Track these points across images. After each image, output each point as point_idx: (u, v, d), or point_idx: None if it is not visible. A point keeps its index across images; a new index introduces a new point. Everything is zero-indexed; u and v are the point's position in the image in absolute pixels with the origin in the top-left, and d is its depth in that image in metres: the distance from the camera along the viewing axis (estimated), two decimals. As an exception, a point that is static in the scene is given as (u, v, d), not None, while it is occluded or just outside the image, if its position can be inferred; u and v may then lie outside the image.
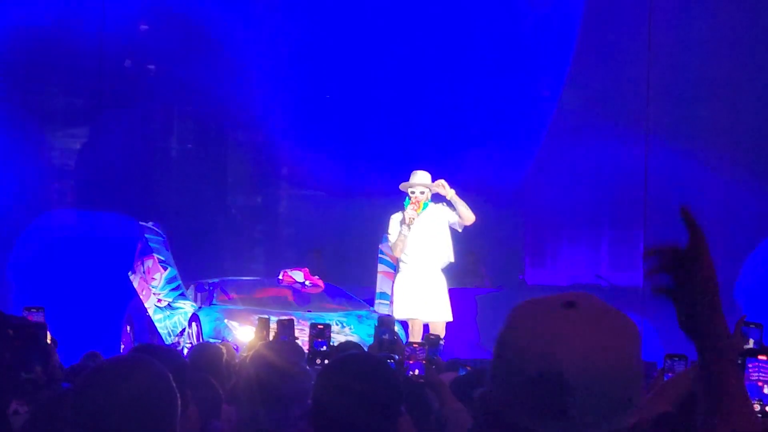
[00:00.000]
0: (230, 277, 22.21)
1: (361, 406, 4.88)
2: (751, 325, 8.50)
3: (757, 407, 6.20)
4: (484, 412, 2.73)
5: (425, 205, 16.82)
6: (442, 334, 16.20)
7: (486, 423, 2.70)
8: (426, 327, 16.89)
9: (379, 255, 20.35)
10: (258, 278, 22.70)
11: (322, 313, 18.35)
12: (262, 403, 6.68)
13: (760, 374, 6.42)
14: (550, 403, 2.63)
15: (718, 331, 3.08)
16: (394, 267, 18.72)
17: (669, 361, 7.50)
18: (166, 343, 18.56)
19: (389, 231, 17.41)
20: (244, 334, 17.41)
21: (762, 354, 6.63)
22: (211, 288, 20.53)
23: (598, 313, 2.75)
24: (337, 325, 14.43)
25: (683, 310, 3.01)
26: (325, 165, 28.28)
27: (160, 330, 19.62)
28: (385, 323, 12.98)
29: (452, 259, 17.20)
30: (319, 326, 10.66)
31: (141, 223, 21.20)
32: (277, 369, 6.85)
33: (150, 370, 4.00)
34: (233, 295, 20.10)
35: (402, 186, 17.16)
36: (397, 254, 17.33)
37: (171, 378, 4.03)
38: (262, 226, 29.42)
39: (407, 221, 16.65)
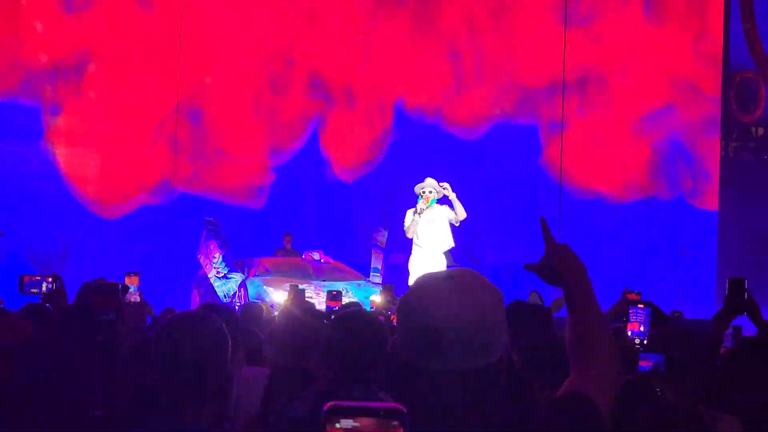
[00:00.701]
0: (267, 256, 23.19)
1: (357, 345, 5.34)
2: (633, 294, 9.49)
3: (636, 341, 7.07)
4: (393, 355, 3.09)
5: (432, 201, 18.14)
6: None
7: (393, 364, 3.11)
8: None
9: (372, 241, 21.85)
10: (286, 257, 23.40)
11: (333, 282, 19.41)
12: (289, 345, 6.92)
13: (638, 317, 7.31)
14: (432, 347, 2.94)
15: (586, 302, 3.50)
16: (382, 249, 20.88)
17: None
18: (223, 302, 19.01)
19: (405, 219, 18.51)
20: (277, 296, 18.85)
21: (641, 303, 7.75)
22: (253, 264, 21.83)
23: (469, 283, 3.03)
24: (342, 290, 13.53)
25: (547, 280, 3.51)
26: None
27: (218, 293, 20.88)
28: (387, 289, 13.94)
29: (452, 245, 18.49)
30: (334, 292, 11.61)
31: (206, 218, 22.22)
32: (300, 321, 7.27)
33: (211, 321, 4.21)
34: (270, 269, 21.53)
35: (416, 187, 18.39)
36: (409, 236, 18.45)
37: (225, 328, 4.24)
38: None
39: (418, 211, 18.08)
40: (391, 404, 2.16)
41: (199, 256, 21.79)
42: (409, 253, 18.58)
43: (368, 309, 12.45)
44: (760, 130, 27.93)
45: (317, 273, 21.31)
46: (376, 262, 21.28)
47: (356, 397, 5.17)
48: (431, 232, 18.22)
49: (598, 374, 3.36)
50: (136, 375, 5.70)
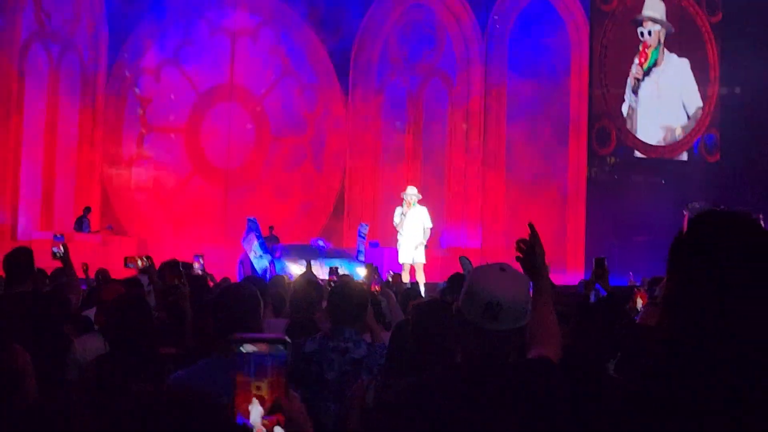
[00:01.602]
0: (288, 243, 22.62)
1: (349, 302, 5.35)
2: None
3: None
4: (459, 318, 2.96)
5: (413, 204, 18.31)
6: (421, 271, 18.33)
7: (459, 322, 2.93)
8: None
9: (358, 233, 21.04)
10: (301, 243, 22.54)
11: (332, 259, 19.09)
12: (302, 303, 7.28)
13: None
14: (491, 313, 2.96)
15: (549, 295, 3.46)
16: (365, 238, 20.20)
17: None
18: (259, 274, 18.91)
19: (394, 216, 18.51)
20: (294, 269, 18.52)
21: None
22: (278, 248, 21.61)
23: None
24: (338, 266, 13.49)
25: (527, 270, 3.41)
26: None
27: (257, 268, 20.10)
28: (369, 266, 12.97)
29: (422, 240, 18.33)
30: (333, 267, 12.23)
31: (247, 217, 21.45)
32: (309, 287, 7.57)
33: (250, 288, 4.23)
34: (289, 251, 21.23)
35: (403, 194, 18.45)
36: (399, 229, 18.49)
37: (258, 292, 4.26)
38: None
39: (404, 212, 18.22)
40: (278, 335, 2.06)
41: (243, 243, 21.27)
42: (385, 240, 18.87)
43: (356, 279, 11.68)
44: (613, 160, 27.93)
45: (321, 254, 20.91)
46: (361, 247, 20.69)
47: (347, 338, 5.30)
48: (409, 227, 18.39)
49: (555, 345, 3.36)
50: (198, 325, 5.58)
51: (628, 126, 27.38)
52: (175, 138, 25.84)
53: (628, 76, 27.31)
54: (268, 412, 2.02)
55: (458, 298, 3.19)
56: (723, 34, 27.91)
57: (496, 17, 26.33)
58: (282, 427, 2.04)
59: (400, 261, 18.44)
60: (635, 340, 3.69)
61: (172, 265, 8.38)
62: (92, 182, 24.83)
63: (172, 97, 25.77)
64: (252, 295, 4.16)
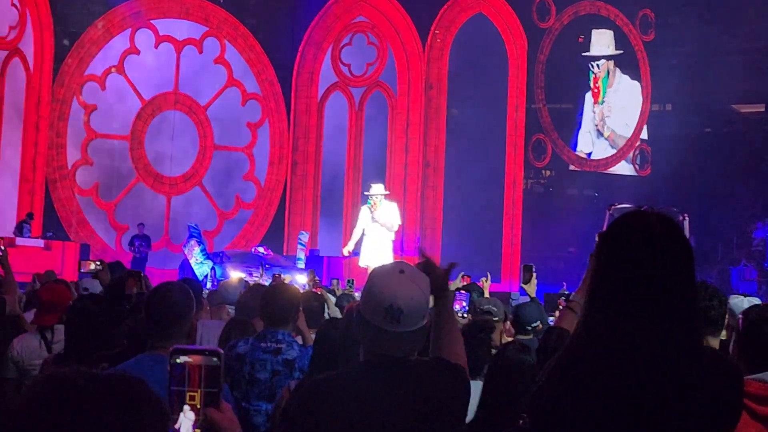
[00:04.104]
0: (229, 250, 23.11)
1: (282, 303, 5.36)
2: (467, 277, 10.61)
3: (460, 317, 6.96)
4: (360, 319, 2.91)
5: (380, 203, 16.51)
6: None
7: (360, 322, 2.88)
8: None
9: (299, 240, 21.91)
10: (241, 250, 22.91)
11: (273, 267, 19.18)
12: (242, 306, 6.91)
13: (461, 297, 7.43)
14: (392, 317, 2.88)
15: (446, 294, 3.40)
16: (304, 246, 20.57)
17: None
18: (199, 279, 18.97)
19: (360, 216, 16.93)
20: (235, 275, 16.63)
21: (461, 290, 7.96)
22: (221, 254, 21.64)
23: (413, 274, 2.99)
24: (279, 273, 13.66)
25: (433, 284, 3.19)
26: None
27: (197, 274, 20.18)
28: (311, 272, 14.05)
29: (391, 235, 16.75)
30: (275, 274, 12.45)
31: (189, 223, 21.91)
32: (248, 293, 7.10)
33: (182, 288, 4.16)
34: (230, 257, 21.11)
35: (367, 193, 16.87)
36: (390, 228, 16.64)
37: (192, 292, 4.18)
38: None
39: (373, 212, 16.39)
40: (213, 347, 2.06)
41: (183, 249, 21.42)
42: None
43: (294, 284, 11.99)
44: (548, 173, 28.25)
45: (263, 261, 20.55)
46: (301, 255, 21.18)
47: (279, 339, 5.29)
48: (376, 228, 16.73)
49: (460, 348, 3.35)
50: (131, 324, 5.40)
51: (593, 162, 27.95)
52: (119, 145, 25.54)
53: (568, 90, 27.87)
54: (200, 423, 2.03)
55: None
56: (655, 52, 28.27)
57: (436, 32, 26.44)
58: None
59: (362, 264, 16.92)
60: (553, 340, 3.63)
61: (134, 275, 8.04)
62: (35, 188, 24.59)
63: (117, 105, 25.62)
64: (184, 295, 4.09)
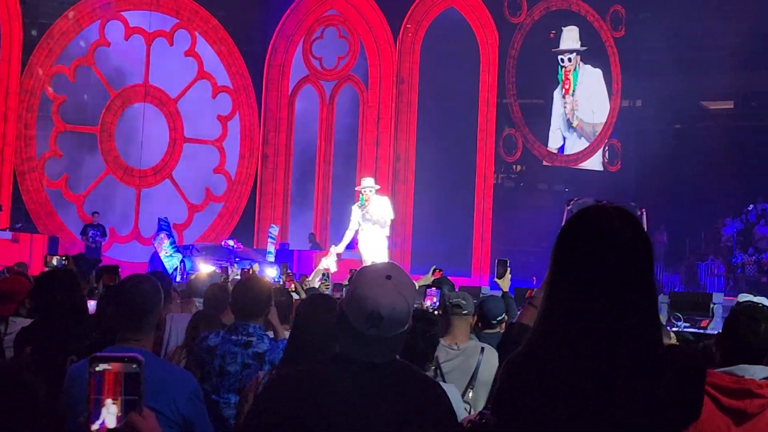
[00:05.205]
0: (199, 243, 23.05)
1: (253, 297, 5.39)
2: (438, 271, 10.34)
3: (431, 309, 6.76)
4: (341, 318, 2.87)
5: (372, 197, 16.30)
6: None
7: (340, 320, 2.85)
8: None
9: (268, 234, 21.78)
10: (211, 243, 22.96)
11: (243, 260, 18.95)
12: (211, 300, 6.91)
13: (431, 293, 7.03)
14: (372, 323, 2.82)
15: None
16: (274, 239, 20.58)
17: None
18: (169, 273, 18.55)
19: (353, 215, 16.63)
20: (204, 268, 16.37)
21: (433, 287, 7.55)
22: (190, 247, 21.67)
23: (400, 281, 2.92)
24: (249, 267, 13.90)
25: None
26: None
27: (167, 267, 19.87)
28: (283, 265, 13.75)
29: (386, 228, 16.68)
30: (245, 269, 12.21)
31: (159, 216, 21.57)
32: (216, 286, 7.21)
33: (151, 280, 4.10)
34: (200, 250, 21.09)
35: (359, 188, 16.68)
36: (359, 228, 16.51)
37: (160, 285, 4.11)
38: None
39: (365, 208, 16.19)
40: (133, 354, 2.06)
41: (153, 242, 21.28)
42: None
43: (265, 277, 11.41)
44: (518, 167, 28.37)
45: (233, 254, 20.71)
46: (271, 248, 21.02)
47: (250, 333, 5.29)
48: (370, 224, 16.49)
49: None
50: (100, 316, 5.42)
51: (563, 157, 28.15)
52: (89, 137, 25.37)
53: (539, 85, 28.08)
54: (121, 429, 2.01)
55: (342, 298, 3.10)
56: (626, 48, 28.41)
57: (408, 26, 26.44)
58: None
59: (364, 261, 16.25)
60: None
61: (110, 269, 8.32)
62: (3, 180, 24.40)
63: (86, 97, 25.43)
64: (152, 288, 4.04)
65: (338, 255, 16.73)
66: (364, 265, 14.65)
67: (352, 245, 17.06)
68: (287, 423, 2.82)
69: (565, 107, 28.23)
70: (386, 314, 2.88)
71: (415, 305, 3.15)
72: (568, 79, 28.20)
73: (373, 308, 2.88)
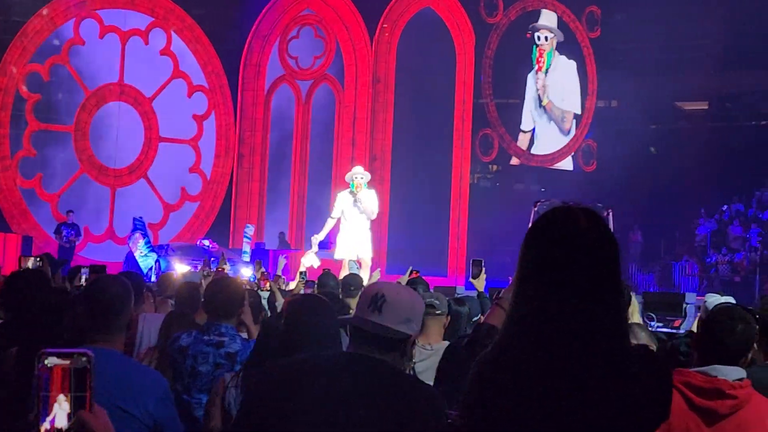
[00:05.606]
0: (174, 243, 22.82)
1: (225, 297, 5.36)
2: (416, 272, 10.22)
3: None
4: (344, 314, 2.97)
5: (364, 186, 15.59)
6: (367, 269, 15.19)
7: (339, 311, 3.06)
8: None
9: (244, 233, 21.65)
10: (187, 243, 22.90)
11: (218, 260, 16.14)
12: (184, 300, 7.09)
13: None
14: (375, 305, 2.93)
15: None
16: (250, 238, 20.50)
17: None
18: (144, 273, 18.65)
19: (337, 201, 15.98)
20: (179, 268, 16.87)
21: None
22: (165, 246, 21.41)
23: (397, 290, 3.04)
24: (226, 266, 12.12)
25: None
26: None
27: (142, 267, 19.74)
28: (258, 263, 13.14)
29: (371, 220, 15.94)
30: (219, 269, 11.18)
31: (134, 216, 21.52)
32: (189, 286, 7.43)
33: (121, 280, 4.06)
34: (176, 250, 20.93)
35: (347, 176, 15.98)
36: (372, 217, 15.87)
37: (131, 285, 4.07)
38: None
39: (357, 195, 15.42)
40: (82, 349, 2.01)
41: (128, 242, 21.16)
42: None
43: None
44: (495, 167, 28.47)
45: (208, 254, 19.72)
46: (246, 248, 20.91)
47: (223, 333, 5.27)
48: (356, 216, 15.71)
49: None
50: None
51: (531, 136, 28.23)
52: (63, 136, 25.24)
53: (515, 84, 28.11)
54: (71, 427, 1.97)
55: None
56: (601, 48, 28.53)
57: (384, 26, 26.43)
58: None
59: (338, 257, 15.75)
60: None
61: (97, 270, 8.24)
62: (-24, 179, 24.25)
63: (60, 95, 25.30)
64: (122, 287, 4.01)
65: (316, 242, 16.16)
66: (339, 254, 14.86)
67: (328, 243, 16.68)
68: (275, 422, 2.82)
69: (537, 83, 28.26)
70: (389, 296, 2.97)
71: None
72: (543, 57, 28.27)
73: (377, 290, 3.02)
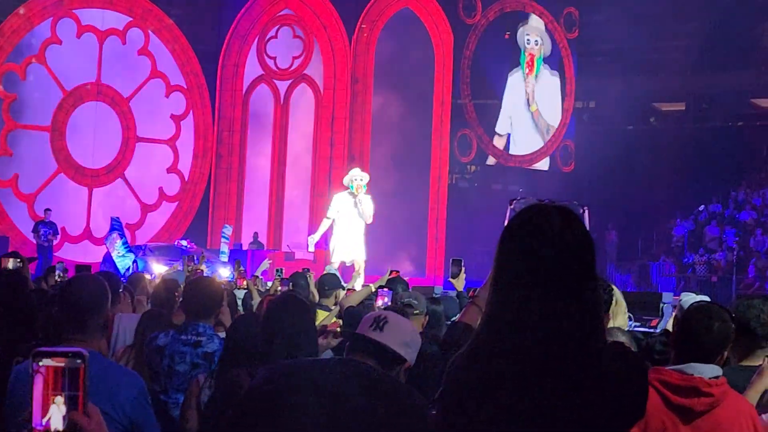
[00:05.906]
0: (152, 243, 22.74)
1: (203, 297, 5.37)
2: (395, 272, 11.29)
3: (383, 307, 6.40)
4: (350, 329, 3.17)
5: (364, 188, 15.24)
6: (362, 271, 14.34)
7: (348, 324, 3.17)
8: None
9: (222, 233, 21.71)
10: (164, 243, 22.69)
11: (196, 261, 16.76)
12: (161, 299, 6.93)
13: (383, 293, 6.85)
14: (377, 325, 3.00)
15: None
16: (228, 239, 20.52)
17: None
18: (121, 273, 18.36)
19: (333, 202, 15.67)
20: (157, 268, 17.21)
21: (386, 287, 7.27)
22: (143, 247, 21.48)
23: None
24: (203, 267, 12.44)
25: None
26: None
27: (119, 267, 19.80)
28: (237, 263, 13.24)
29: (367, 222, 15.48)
30: (198, 269, 11.38)
31: (111, 216, 21.61)
32: (164, 286, 7.20)
33: (97, 279, 4.05)
34: (153, 250, 20.94)
35: (346, 179, 15.60)
36: (369, 221, 15.47)
37: (107, 285, 4.02)
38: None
39: (357, 197, 15.15)
40: (77, 348, 1.99)
41: (105, 242, 21.11)
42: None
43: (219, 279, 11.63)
44: (473, 168, 28.51)
45: (185, 254, 19.33)
46: (224, 248, 20.87)
47: (200, 332, 5.27)
48: (353, 219, 15.41)
49: None
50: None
51: (507, 141, 28.17)
52: (40, 136, 25.13)
53: (494, 85, 28.16)
54: (66, 427, 1.96)
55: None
56: (579, 49, 28.64)
57: (363, 26, 26.43)
58: None
59: (338, 259, 15.39)
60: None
61: (83, 270, 8.26)
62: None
63: (37, 95, 25.14)
64: (98, 287, 3.96)
65: (314, 244, 16.15)
66: (337, 257, 14.73)
67: (322, 243, 16.58)
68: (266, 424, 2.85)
69: (526, 87, 28.28)
70: (392, 318, 3.06)
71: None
72: (533, 62, 28.40)
73: (380, 313, 3.13)
